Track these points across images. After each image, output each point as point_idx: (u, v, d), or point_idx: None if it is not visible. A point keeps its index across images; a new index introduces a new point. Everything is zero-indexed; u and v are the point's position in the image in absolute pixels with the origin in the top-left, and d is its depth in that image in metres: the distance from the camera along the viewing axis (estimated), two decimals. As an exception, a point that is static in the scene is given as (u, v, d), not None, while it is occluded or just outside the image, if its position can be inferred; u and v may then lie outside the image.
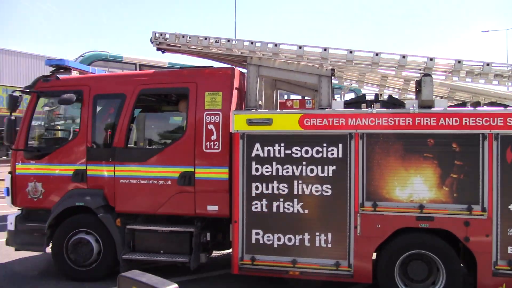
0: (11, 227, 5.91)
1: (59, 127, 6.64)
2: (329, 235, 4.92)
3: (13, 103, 5.56)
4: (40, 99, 5.89)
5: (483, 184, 4.63)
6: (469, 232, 4.64)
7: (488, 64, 5.06)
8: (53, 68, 6.07)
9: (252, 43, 5.29)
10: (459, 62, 5.08)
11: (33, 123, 5.89)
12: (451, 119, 4.67)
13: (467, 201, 4.66)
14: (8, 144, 5.52)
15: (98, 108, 5.69)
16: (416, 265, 4.84)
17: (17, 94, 5.70)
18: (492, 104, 5.13)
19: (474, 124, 4.63)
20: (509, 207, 4.65)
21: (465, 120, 4.65)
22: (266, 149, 5.03)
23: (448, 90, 5.84)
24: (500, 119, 4.60)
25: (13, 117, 5.58)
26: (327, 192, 4.94)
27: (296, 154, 4.99)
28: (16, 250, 6.02)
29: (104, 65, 9.73)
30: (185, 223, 5.50)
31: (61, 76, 5.84)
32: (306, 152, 4.98)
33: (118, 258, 5.51)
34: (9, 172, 5.89)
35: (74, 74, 6.10)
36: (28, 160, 5.78)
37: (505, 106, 4.87)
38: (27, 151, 5.77)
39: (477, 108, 4.83)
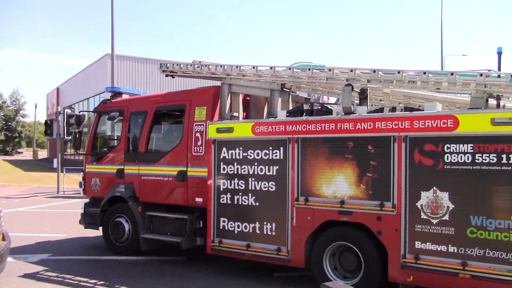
0: (81, 211, 8.39)
1: (110, 137, 9.07)
2: (273, 224, 5.85)
3: (79, 121, 8.18)
4: (102, 116, 8.20)
5: (393, 183, 5.01)
6: (381, 227, 5.04)
7: (425, 73, 5.30)
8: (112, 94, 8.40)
9: (221, 66, 6.63)
10: (398, 72, 5.44)
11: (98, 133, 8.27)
12: (366, 123, 5.23)
13: (380, 198, 5.10)
14: (74, 150, 8.06)
15: (132, 122, 7.61)
16: (347, 256, 5.38)
17: (82, 114, 8.30)
18: (406, 108, 5.44)
19: (385, 127, 5.10)
20: (416, 204, 4.92)
21: (378, 124, 5.15)
22: (230, 152, 6.29)
23: (404, 97, 6.20)
24: (407, 122, 4.99)
25: (77, 130, 8.10)
26: (272, 188, 5.93)
27: (250, 156, 6.13)
28: (84, 228, 8.42)
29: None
30: (187, 212, 6.87)
31: (113, 99, 8.19)
32: (257, 154, 6.08)
33: (139, 237, 7.32)
34: (83, 171, 8.41)
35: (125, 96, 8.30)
36: (92, 162, 8.20)
37: (411, 110, 5.16)
38: (90, 155, 8.22)
39: (387, 113, 5.27)
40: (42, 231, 9.80)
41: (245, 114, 6.90)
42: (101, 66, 28.44)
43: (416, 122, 4.94)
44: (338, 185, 5.38)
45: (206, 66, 6.82)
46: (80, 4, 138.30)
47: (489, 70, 4.94)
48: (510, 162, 4.48)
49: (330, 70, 5.79)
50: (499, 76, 4.91)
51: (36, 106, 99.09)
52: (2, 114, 67.50)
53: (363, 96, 5.65)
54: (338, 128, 5.42)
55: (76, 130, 8.14)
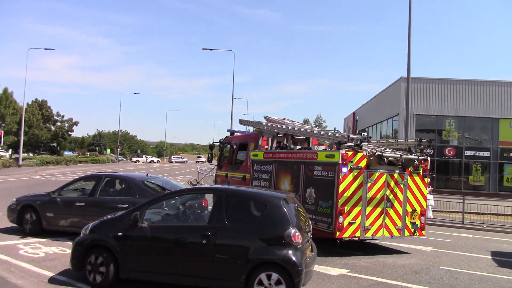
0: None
1: (226, 156, 15.93)
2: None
3: (211, 147, 16.07)
4: (223, 145, 15.63)
5: (301, 183, 10.08)
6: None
7: (310, 130, 10.32)
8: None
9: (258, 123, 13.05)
10: (304, 130, 10.65)
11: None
12: (295, 154, 10.51)
13: (297, 190, 10.19)
14: (209, 162, 15.71)
15: (232, 149, 14.46)
16: None
17: (213, 143, 15.95)
18: (306, 148, 10.59)
19: (299, 157, 10.31)
20: (305, 194, 9.78)
21: (298, 155, 10.42)
22: (256, 166, 12.25)
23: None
24: (304, 155, 10.13)
25: (211, 153, 15.89)
26: (265, 183, 11.70)
27: (262, 168, 11.84)
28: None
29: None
30: None
31: (230, 135, 15.49)
32: (265, 167, 11.77)
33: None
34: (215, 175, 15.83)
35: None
36: (219, 169, 15.44)
37: (306, 149, 10.21)
38: (217, 166, 15.64)
39: (299, 149, 10.50)
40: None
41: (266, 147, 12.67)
42: (395, 90, 27.38)
43: (306, 155, 10.06)
44: (287, 184, 10.65)
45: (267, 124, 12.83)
46: (375, 33, 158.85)
47: (337, 131, 9.81)
48: (330, 175, 9.15)
49: (296, 128, 11.49)
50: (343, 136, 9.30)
51: (335, 129, 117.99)
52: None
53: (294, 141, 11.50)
54: (288, 157, 10.81)
55: (211, 153, 16.03)
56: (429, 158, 9.88)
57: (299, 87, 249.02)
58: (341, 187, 8.85)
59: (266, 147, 12.66)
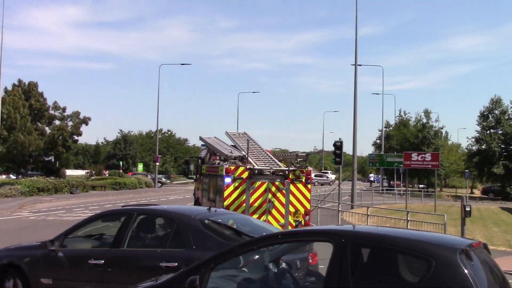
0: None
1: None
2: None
3: (187, 163, 26.11)
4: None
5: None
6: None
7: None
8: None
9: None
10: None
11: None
12: (214, 169, 20.87)
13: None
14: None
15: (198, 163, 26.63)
16: None
17: (189, 158, 24.38)
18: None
19: (215, 171, 21.07)
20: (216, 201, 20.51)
21: (215, 169, 21.45)
22: (205, 178, 24.42)
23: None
24: (217, 169, 21.02)
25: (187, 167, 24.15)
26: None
27: (206, 180, 23.84)
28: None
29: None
30: None
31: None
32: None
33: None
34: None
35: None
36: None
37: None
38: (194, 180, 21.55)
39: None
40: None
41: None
42: None
43: (217, 169, 20.94)
44: (212, 193, 21.61)
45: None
46: None
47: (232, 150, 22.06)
48: (220, 184, 20.38)
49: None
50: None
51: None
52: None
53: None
54: (213, 170, 21.83)
55: (186, 167, 23.81)
56: (310, 168, 21.40)
57: (479, 39, 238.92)
58: (226, 193, 19.96)
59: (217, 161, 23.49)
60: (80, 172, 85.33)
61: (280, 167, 21.50)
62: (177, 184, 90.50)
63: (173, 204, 34.69)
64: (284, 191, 20.85)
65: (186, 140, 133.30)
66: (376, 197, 59.14)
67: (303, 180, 21.05)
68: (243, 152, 22.20)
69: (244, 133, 27.33)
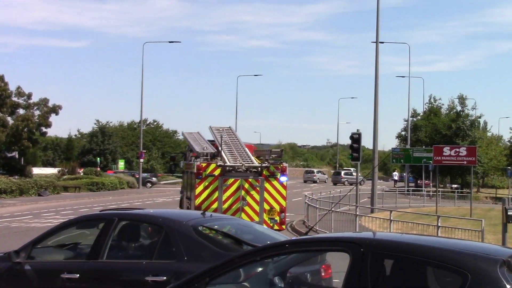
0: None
1: None
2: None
3: (173, 158, 34.29)
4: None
5: None
6: None
7: None
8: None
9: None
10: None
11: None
12: (189, 166, 26.81)
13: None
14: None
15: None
16: None
17: (175, 154, 27.99)
18: None
19: (190, 168, 24.12)
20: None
21: (191, 167, 26.05)
22: (184, 175, 31.64)
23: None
24: (191, 166, 25.88)
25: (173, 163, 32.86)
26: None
27: (185, 176, 30.43)
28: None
29: None
30: None
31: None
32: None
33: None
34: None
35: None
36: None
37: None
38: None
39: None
40: None
41: None
42: None
43: (191, 166, 26.01)
44: (188, 189, 26.67)
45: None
46: None
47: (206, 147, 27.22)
48: (193, 181, 25.04)
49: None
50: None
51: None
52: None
53: None
54: (189, 168, 26.97)
55: (172, 163, 33.29)
56: (285, 165, 24.65)
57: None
58: (197, 190, 23.22)
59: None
60: (50, 171, 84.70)
61: (253, 163, 25.11)
62: (165, 184, 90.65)
63: (161, 208, 34.73)
64: (258, 188, 24.62)
65: (175, 132, 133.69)
66: (401, 199, 59.35)
67: (278, 177, 24.78)
68: (220, 148, 25.81)
69: (229, 127, 30.85)
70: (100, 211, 11.59)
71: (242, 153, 25.68)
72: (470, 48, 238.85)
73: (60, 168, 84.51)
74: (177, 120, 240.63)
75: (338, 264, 7.03)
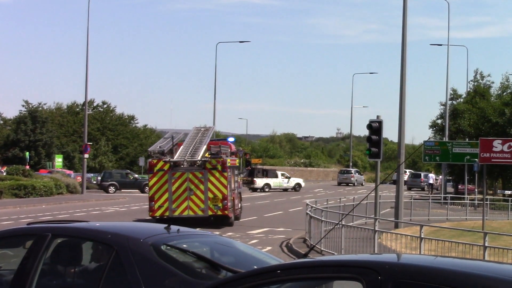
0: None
1: None
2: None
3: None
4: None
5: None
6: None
7: None
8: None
9: None
10: None
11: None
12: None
13: None
14: None
15: None
16: None
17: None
18: None
19: None
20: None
21: None
22: None
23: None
24: None
25: None
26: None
27: None
28: None
29: None
30: None
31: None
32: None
33: None
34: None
35: None
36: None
37: None
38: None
39: None
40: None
41: None
42: None
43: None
44: None
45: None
46: None
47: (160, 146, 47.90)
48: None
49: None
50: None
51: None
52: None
53: None
54: None
55: None
56: (225, 158, 45.16)
57: None
58: (151, 183, 44.73)
59: None
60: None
61: (193, 158, 43.36)
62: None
63: (112, 221, 34.46)
64: (202, 180, 42.90)
65: (132, 118, 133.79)
66: (436, 210, 59.61)
67: (220, 169, 43.24)
68: (157, 149, 45.42)
69: (209, 127, 52.36)
70: (28, 224, 11.58)
71: (196, 150, 43.16)
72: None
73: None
74: (135, 102, 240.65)
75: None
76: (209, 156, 44.06)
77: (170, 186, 40.32)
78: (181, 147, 46.27)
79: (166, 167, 40.54)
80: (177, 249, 9.97)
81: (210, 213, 45.43)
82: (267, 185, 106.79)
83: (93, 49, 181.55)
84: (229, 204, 45.15)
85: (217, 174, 40.15)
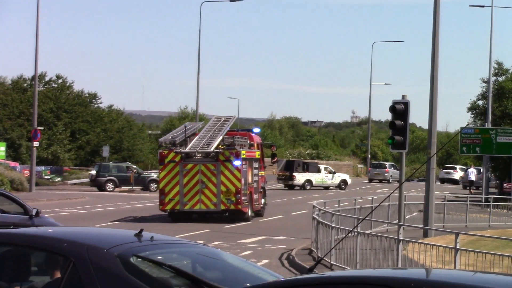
0: None
1: None
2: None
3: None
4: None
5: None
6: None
7: None
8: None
9: None
10: None
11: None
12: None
13: None
14: None
15: None
16: None
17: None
18: None
19: None
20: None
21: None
22: None
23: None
24: None
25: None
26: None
27: None
28: None
29: None
30: None
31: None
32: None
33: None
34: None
35: None
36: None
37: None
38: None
39: None
40: None
41: None
42: None
43: None
44: None
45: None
46: None
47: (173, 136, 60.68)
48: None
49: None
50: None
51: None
52: None
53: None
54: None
55: None
56: (239, 150, 55.97)
57: None
58: (161, 175, 58.10)
59: None
60: None
61: (205, 149, 49.17)
62: (78, 185, 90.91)
63: (68, 225, 34.54)
64: (215, 172, 50.52)
65: (94, 96, 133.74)
66: (475, 215, 59.68)
67: (232, 160, 49.90)
68: (168, 139, 49.85)
69: (230, 117, 59.53)
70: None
71: (211, 141, 45.37)
72: None
73: None
74: (97, 77, 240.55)
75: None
76: (223, 147, 51.07)
77: (182, 179, 48.38)
78: (196, 137, 53.22)
79: (177, 159, 48.53)
80: (150, 262, 9.99)
81: (222, 207, 53.58)
82: (309, 181, 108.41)
83: (45, 9, 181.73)
84: (243, 198, 52.86)
85: (230, 166, 47.79)
